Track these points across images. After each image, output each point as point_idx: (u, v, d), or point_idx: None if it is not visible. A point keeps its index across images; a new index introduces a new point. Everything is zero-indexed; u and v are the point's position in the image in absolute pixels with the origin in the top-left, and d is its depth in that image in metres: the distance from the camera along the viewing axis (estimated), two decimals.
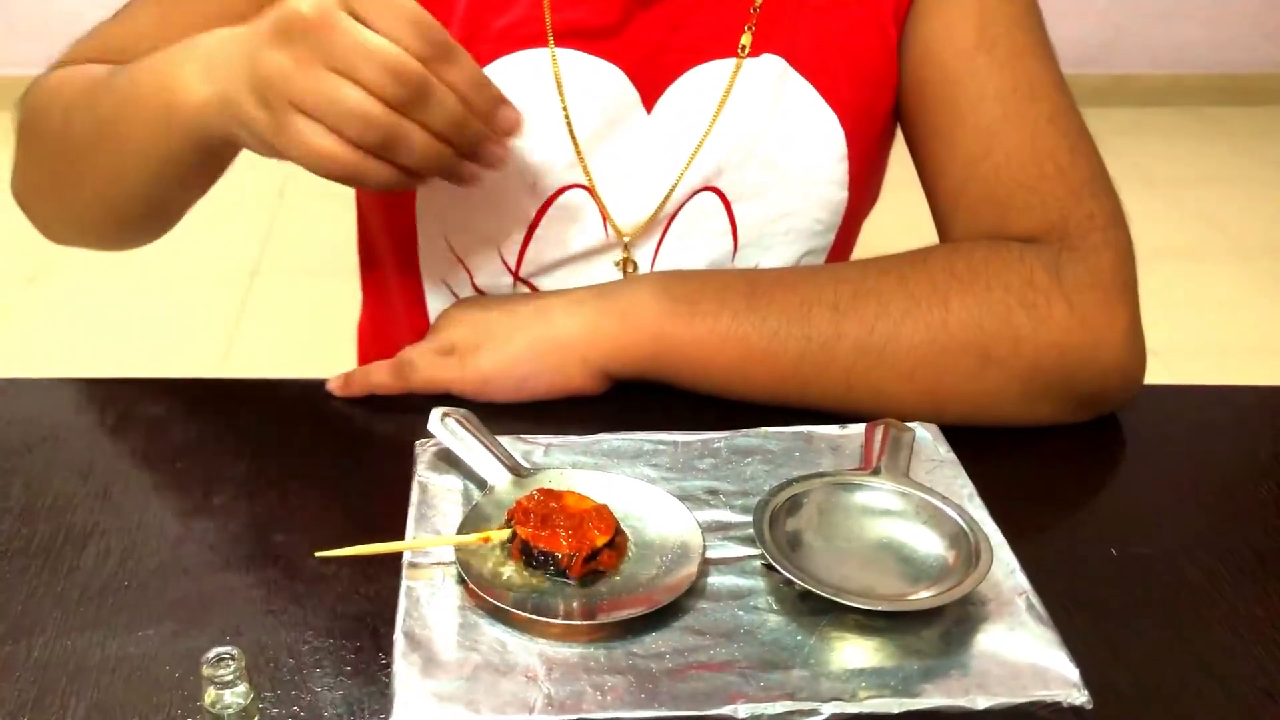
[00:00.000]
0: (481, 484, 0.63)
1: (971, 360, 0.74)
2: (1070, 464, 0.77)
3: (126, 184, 0.81)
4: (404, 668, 0.52)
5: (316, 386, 0.82)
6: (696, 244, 0.89)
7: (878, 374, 0.74)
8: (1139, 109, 3.73)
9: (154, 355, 1.99)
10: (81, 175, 0.83)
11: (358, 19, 0.65)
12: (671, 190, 0.87)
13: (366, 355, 1.05)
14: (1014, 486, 0.66)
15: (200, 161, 0.78)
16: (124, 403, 0.80)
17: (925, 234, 0.86)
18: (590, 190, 0.86)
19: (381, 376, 0.81)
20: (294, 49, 0.65)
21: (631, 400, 0.80)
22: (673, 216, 0.88)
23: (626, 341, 0.78)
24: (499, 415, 0.72)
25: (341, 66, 0.65)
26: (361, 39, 0.65)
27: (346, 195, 0.93)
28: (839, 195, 0.89)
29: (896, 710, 0.51)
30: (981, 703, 0.51)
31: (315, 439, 0.78)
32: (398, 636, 0.54)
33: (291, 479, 0.73)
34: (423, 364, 0.80)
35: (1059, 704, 0.52)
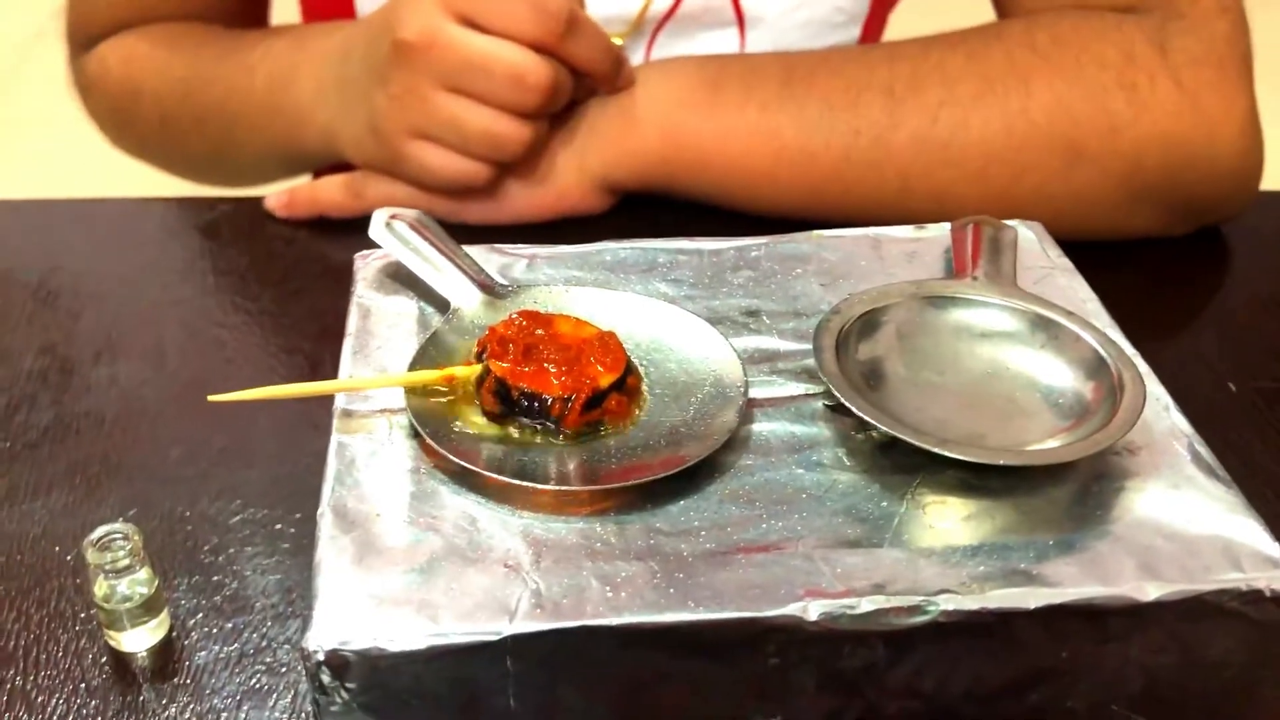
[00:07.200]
0: (443, 306, 0.47)
1: (1058, 155, 0.63)
2: (1165, 283, 0.67)
3: (236, 179, 0.83)
4: (332, 556, 0.37)
5: (253, 205, 0.72)
6: (696, 45, 0.75)
7: (942, 174, 0.63)
8: None
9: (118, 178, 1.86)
10: (184, 165, 0.82)
11: (471, 23, 0.60)
12: None
13: (322, 169, 0.91)
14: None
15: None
16: (29, 226, 0.71)
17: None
18: None
19: (332, 194, 0.70)
20: (404, 78, 0.62)
21: (638, 210, 0.67)
22: (668, 14, 0.74)
23: (631, 142, 0.66)
24: (470, 234, 0.57)
25: (459, 85, 0.61)
26: (474, 52, 0.60)
27: None
28: None
29: (1033, 605, 0.36)
30: (1152, 592, 0.36)
31: (250, 268, 0.68)
32: (323, 513, 0.38)
33: (220, 314, 0.63)
34: (383, 178, 0.68)
35: (1259, 592, 0.37)
